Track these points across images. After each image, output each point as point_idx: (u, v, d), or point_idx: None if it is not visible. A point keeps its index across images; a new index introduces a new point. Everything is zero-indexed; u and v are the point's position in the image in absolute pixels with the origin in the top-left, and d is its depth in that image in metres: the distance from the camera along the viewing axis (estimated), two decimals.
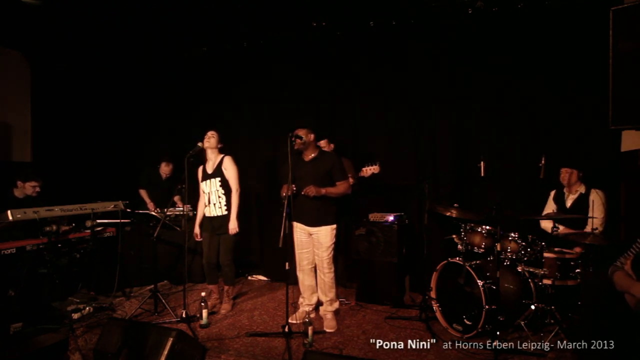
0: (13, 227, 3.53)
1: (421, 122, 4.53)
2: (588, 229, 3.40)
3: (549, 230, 3.71)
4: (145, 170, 5.33)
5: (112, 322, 3.03)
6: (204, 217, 3.98)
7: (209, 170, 3.94)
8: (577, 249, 3.41)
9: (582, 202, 3.51)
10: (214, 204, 3.88)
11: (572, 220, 3.50)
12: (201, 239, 4.01)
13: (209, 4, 4.22)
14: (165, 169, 5.27)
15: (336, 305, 3.75)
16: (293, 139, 3.41)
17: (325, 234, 3.54)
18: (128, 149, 6.04)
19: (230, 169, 3.90)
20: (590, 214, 3.33)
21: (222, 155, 3.97)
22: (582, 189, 3.57)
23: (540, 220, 3.82)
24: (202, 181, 3.97)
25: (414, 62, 4.51)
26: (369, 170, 3.97)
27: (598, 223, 3.38)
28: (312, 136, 3.56)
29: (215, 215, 3.88)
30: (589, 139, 3.81)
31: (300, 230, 3.65)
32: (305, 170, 3.57)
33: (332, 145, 4.39)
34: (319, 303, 3.80)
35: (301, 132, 3.50)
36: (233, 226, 3.83)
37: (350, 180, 3.83)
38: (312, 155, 3.61)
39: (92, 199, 4.24)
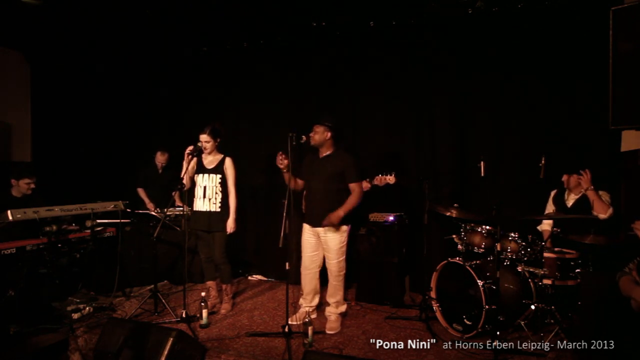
0: (13, 227, 3.52)
1: (421, 122, 4.52)
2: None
3: (546, 235, 3.71)
4: (142, 166, 5.32)
5: (112, 322, 3.03)
6: (193, 212, 3.95)
7: (208, 165, 3.92)
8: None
9: (584, 203, 3.47)
10: (209, 199, 3.87)
11: (573, 222, 3.45)
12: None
13: (209, 4, 4.22)
14: (160, 159, 5.25)
15: (342, 308, 3.67)
16: (293, 137, 3.37)
17: (333, 236, 3.47)
18: (128, 148, 6.03)
19: (230, 171, 3.90)
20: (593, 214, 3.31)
21: (223, 155, 3.97)
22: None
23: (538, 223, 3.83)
24: (197, 173, 3.94)
25: (413, 62, 4.51)
26: (384, 179, 3.81)
27: (604, 214, 3.31)
28: (328, 134, 3.49)
29: (208, 210, 3.85)
30: (588, 139, 3.80)
31: (308, 232, 3.60)
32: (317, 167, 3.54)
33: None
34: (324, 303, 3.78)
35: (318, 129, 3.47)
36: (232, 225, 3.84)
37: (367, 185, 3.78)
38: (327, 152, 3.56)
39: (92, 199, 4.24)
